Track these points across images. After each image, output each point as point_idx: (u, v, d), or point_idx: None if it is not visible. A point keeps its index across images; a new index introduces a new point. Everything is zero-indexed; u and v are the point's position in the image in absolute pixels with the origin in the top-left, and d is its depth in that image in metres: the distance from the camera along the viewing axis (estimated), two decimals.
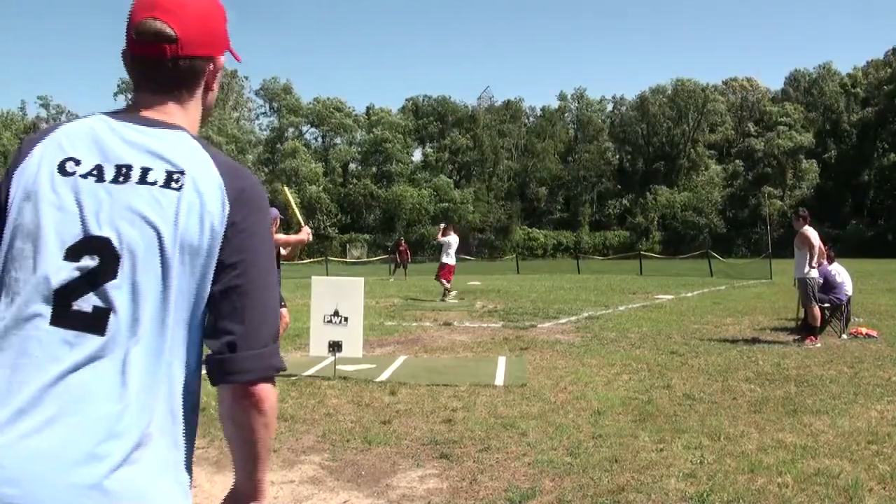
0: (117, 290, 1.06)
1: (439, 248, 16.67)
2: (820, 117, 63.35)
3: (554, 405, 5.60)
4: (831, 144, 62.33)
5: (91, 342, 1.04)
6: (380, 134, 62.26)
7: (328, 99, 64.38)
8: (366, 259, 46.64)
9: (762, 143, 62.01)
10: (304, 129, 65.14)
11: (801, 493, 3.62)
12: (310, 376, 6.92)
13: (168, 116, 1.18)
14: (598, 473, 3.95)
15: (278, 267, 7.63)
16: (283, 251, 7.73)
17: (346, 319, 6.91)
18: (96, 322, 1.04)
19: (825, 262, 9.29)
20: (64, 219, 1.08)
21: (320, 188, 57.83)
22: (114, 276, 1.06)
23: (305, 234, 7.63)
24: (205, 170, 1.13)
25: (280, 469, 4.20)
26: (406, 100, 69.42)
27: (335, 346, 6.80)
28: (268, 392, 1.14)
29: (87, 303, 1.05)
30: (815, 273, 8.82)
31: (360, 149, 64.63)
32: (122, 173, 1.10)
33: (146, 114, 1.17)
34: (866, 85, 62.71)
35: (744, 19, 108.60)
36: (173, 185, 1.10)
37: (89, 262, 1.06)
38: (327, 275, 18.57)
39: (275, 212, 7.89)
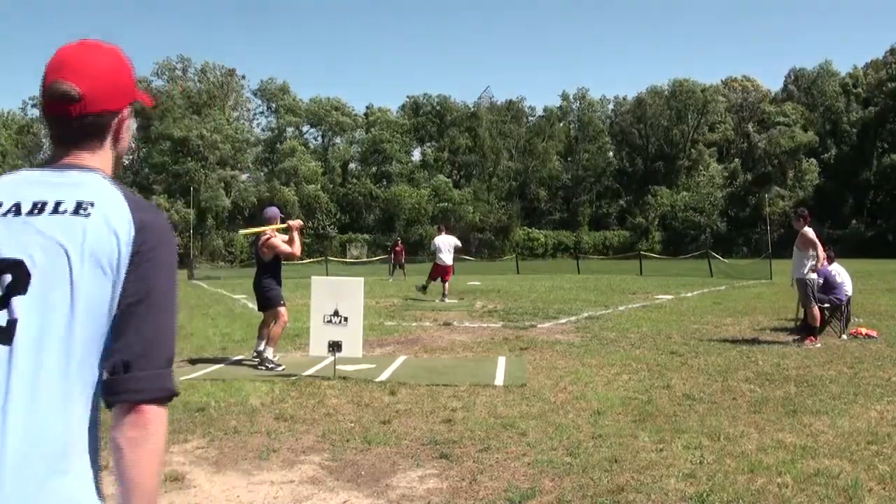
0: (25, 303, 1.14)
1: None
2: (820, 117, 63.34)
3: (554, 405, 5.60)
4: (831, 144, 62.32)
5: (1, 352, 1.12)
6: (378, 133, 62.24)
7: (327, 99, 64.37)
8: (366, 259, 46.61)
9: (762, 143, 62.01)
10: (304, 129, 65.14)
11: (801, 494, 3.62)
12: (309, 376, 6.93)
13: (81, 162, 1.29)
14: (598, 473, 3.95)
15: (279, 266, 7.67)
16: (276, 249, 7.73)
17: (345, 319, 6.91)
18: (4, 334, 1.12)
19: (825, 263, 9.29)
20: None
21: (319, 188, 57.83)
22: (24, 291, 1.14)
23: (297, 230, 7.65)
24: (114, 202, 1.23)
25: (280, 469, 4.20)
26: (406, 97, 69.54)
27: (335, 346, 6.80)
28: (157, 414, 1.18)
29: (1, 318, 1.13)
30: (813, 274, 8.82)
31: (359, 148, 64.62)
32: (38, 207, 1.21)
33: (62, 162, 1.29)
34: (866, 85, 62.71)
35: (744, 19, 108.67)
36: (82, 212, 1.20)
37: (5, 279, 1.15)
38: (327, 275, 18.58)
39: (275, 211, 7.91)
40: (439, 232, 16.70)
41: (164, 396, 1.19)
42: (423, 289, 16.16)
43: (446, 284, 15.79)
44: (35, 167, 1.31)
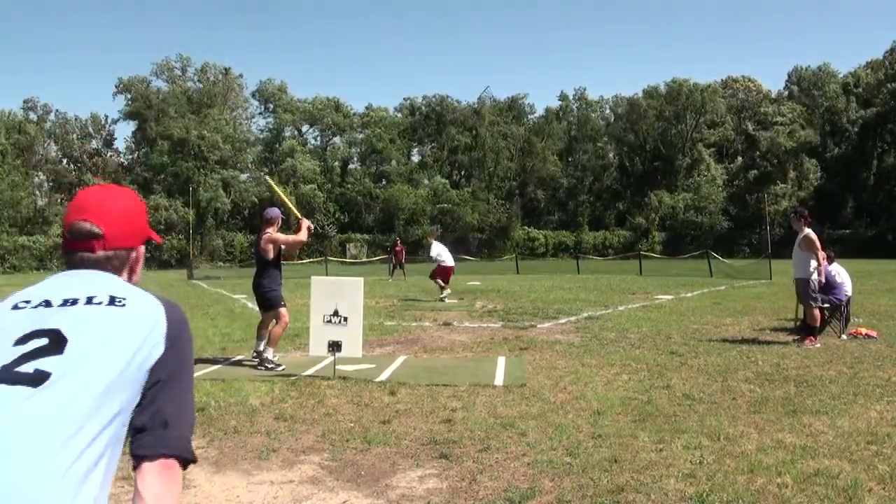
0: (59, 361, 1.22)
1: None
2: (820, 117, 63.33)
3: (553, 405, 5.60)
4: (831, 144, 62.30)
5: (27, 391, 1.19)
6: (377, 133, 62.22)
7: (326, 99, 64.33)
8: (366, 259, 46.61)
9: (762, 143, 61.99)
10: (303, 129, 65.11)
11: (801, 494, 3.62)
12: (309, 376, 6.93)
13: (103, 271, 1.43)
14: (598, 473, 3.95)
15: (279, 267, 7.67)
16: (282, 249, 7.75)
17: (345, 319, 6.91)
18: (38, 380, 1.19)
19: (826, 265, 9.29)
20: (14, 328, 1.28)
21: (318, 187, 57.81)
22: (60, 352, 1.23)
23: (306, 227, 7.66)
24: (145, 299, 1.38)
25: (280, 469, 4.20)
26: (404, 99, 69.50)
27: (335, 346, 6.80)
28: (180, 473, 1.29)
29: (30, 367, 1.21)
30: (816, 275, 8.83)
31: (357, 148, 64.60)
32: (70, 301, 1.33)
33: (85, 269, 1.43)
34: (866, 85, 62.71)
35: (744, 19, 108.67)
36: (116, 303, 1.33)
37: (37, 343, 1.24)
38: (327, 274, 18.58)
39: (276, 212, 7.90)
40: (434, 237, 16.72)
41: (190, 458, 1.31)
42: (442, 299, 15.89)
43: (439, 280, 15.82)
44: (56, 275, 1.44)
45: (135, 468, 1.26)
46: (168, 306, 1.39)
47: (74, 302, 1.32)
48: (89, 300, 1.33)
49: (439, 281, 15.87)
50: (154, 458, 1.25)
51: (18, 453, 1.12)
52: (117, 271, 1.46)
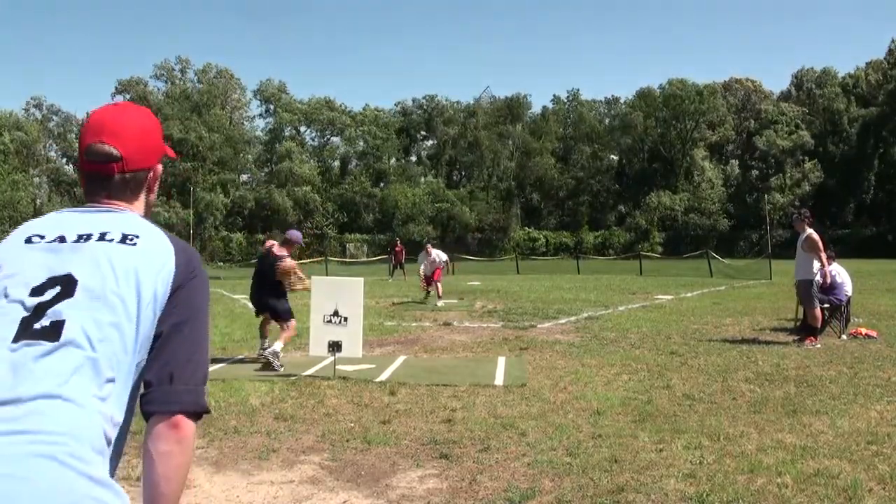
0: (72, 306, 1.21)
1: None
2: (820, 117, 63.33)
3: (553, 405, 5.60)
4: (831, 144, 62.30)
5: (45, 345, 1.18)
6: (375, 133, 62.21)
7: (324, 98, 64.33)
8: (366, 259, 46.60)
9: (763, 144, 61.99)
10: (302, 129, 65.08)
11: (801, 494, 3.62)
12: (309, 376, 6.93)
13: (119, 207, 1.41)
14: (598, 473, 3.95)
15: (281, 285, 7.71)
16: (289, 277, 7.83)
17: (345, 319, 6.91)
18: (52, 332, 1.18)
19: (828, 267, 9.30)
20: (29, 270, 1.26)
21: (316, 188, 57.80)
22: (71, 296, 1.22)
23: (307, 283, 7.79)
24: (157, 237, 1.35)
25: (280, 469, 4.20)
26: (399, 99, 69.59)
27: (335, 346, 6.80)
28: (191, 429, 1.26)
29: (47, 320, 1.20)
30: (818, 277, 8.84)
31: (356, 148, 64.59)
32: (84, 237, 1.31)
33: (101, 206, 1.41)
34: (866, 85, 62.71)
35: (745, 19, 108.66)
36: (129, 241, 1.31)
37: (52, 292, 1.23)
38: (327, 274, 18.57)
39: (299, 236, 8.06)
40: (432, 245, 16.66)
41: (200, 411, 1.28)
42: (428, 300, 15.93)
43: (439, 285, 15.78)
44: (70, 209, 1.42)
45: (146, 424, 1.25)
46: (179, 250, 1.35)
47: (88, 238, 1.30)
48: (102, 236, 1.31)
49: (439, 285, 15.78)
50: (161, 415, 1.23)
51: (56, 403, 1.11)
52: (136, 192, 1.43)
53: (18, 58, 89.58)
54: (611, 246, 58.63)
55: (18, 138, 53.14)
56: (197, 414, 1.27)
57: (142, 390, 1.26)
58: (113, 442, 1.18)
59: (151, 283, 1.27)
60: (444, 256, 16.41)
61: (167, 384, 1.24)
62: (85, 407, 1.13)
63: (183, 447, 1.23)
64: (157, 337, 1.26)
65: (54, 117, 59.07)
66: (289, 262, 7.75)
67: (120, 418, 1.20)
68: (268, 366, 7.30)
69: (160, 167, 1.50)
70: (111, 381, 1.18)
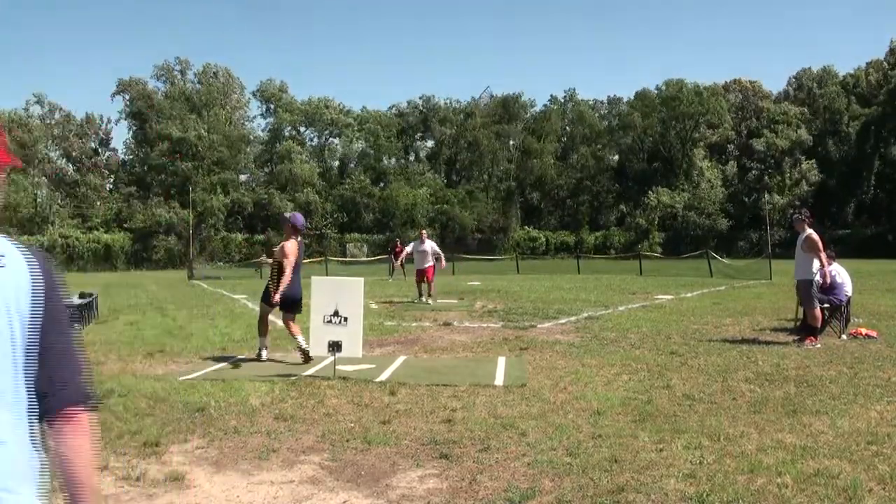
0: None
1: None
2: (820, 117, 63.34)
3: (553, 405, 5.60)
4: (831, 144, 62.30)
5: None
6: (375, 133, 62.21)
7: (324, 99, 64.34)
8: (366, 259, 46.60)
9: (762, 144, 61.99)
10: (302, 129, 65.06)
11: (801, 494, 3.62)
12: (309, 376, 6.93)
13: None
14: (598, 473, 3.95)
15: (278, 279, 7.65)
16: (288, 268, 7.74)
17: (345, 319, 6.91)
18: None
19: (828, 267, 9.30)
20: None
21: (316, 188, 57.79)
22: None
23: (282, 283, 7.73)
24: (14, 255, 1.35)
25: (280, 469, 4.20)
26: (402, 98, 69.61)
27: (335, 346, 6.80)
28: (90, 419, 1.36)
29: None
30: (818, 277, 8.85)
31: (356, 148, 64.58)
32: None
33: None
34: (867, 85, 62.72)
35: (745, 19, 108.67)
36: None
37: None
38: (327, 274, 18.58)
39: (301, 219, 8.06)
40: (426, 237, 16.62)
41: (93, 402, 1.37)
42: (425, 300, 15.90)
43: (432, 285, 15.77)
44: None
45: (48, 429, 1.32)
46: (40, 257, 1.37)
47: None
48: None
49: (432, 286, 15.73)
50: (59, 415, 1.31)
51: None
52: None
53: (18, 58, 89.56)
54: (611, 246, 58.62)
55: (18, 138, 53.12)
56: (93, 405, 1.36)
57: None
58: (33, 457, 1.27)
59: (16, 303, 1.30)
60: (437, 249, 16.22)
61: (60, 390, 1.32)
62: (6, 443, 1.22)
63: (89, 437, 1.33)
64: (34, 343, 1.31)
65: (55, 117, 59.00)
66: (290, 246, 7.73)
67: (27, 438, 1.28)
68: (307, 357, 7.38)
69: (3, 177, 1.47)
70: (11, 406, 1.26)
